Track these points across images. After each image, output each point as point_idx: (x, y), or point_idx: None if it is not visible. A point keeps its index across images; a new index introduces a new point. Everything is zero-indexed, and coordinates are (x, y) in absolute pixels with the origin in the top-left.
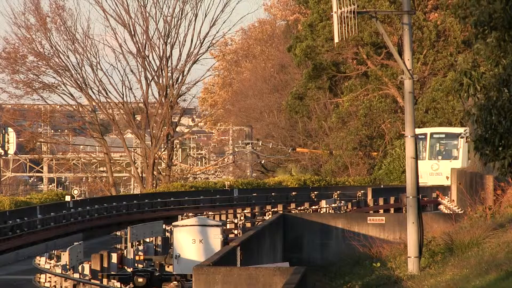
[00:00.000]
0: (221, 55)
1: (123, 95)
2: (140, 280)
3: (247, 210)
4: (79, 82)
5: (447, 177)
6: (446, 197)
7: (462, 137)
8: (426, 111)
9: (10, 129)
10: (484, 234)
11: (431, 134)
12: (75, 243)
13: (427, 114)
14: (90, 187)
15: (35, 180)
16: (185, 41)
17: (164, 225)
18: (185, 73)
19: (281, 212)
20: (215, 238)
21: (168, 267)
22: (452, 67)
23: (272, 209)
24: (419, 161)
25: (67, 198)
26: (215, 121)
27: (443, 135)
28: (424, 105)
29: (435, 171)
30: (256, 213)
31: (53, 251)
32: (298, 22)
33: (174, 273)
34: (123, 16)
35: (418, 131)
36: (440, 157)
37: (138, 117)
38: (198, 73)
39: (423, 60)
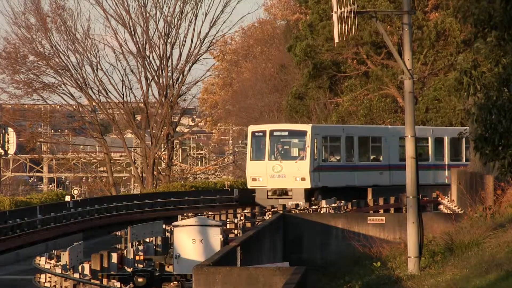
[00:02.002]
0: (221, 55)
1: (123, 95)
2: (140, 280)
3: (247, 210)
4: (79, 82)
5: (298, 178)
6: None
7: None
8: (427, 111)
9: (10, 129)
10: (484, 234)
11: (271, 131)
12: (75, 243)
13: (427, 114)
14: (90, 187)
15: (35, 180)
16: (185, 41)
17: (164, 225)
18: (185, 73)
19: (281, 212)
20: (215, 238)
21: (168, 267)
22: (452, 66)
23: (272, 209)
24: (256, 162)
25: (67, 198)
26: (215, 121)
27: (286, 133)
28: (424, 104)
29: (277, 173)
30: (256, 213)
31: (53, 251)
32: (298, 21)
33: (174, 273)
34: (124, 16)
35: (256, 127)
36: (283, 157)
37: (138, 117)
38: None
39: (423, 60)
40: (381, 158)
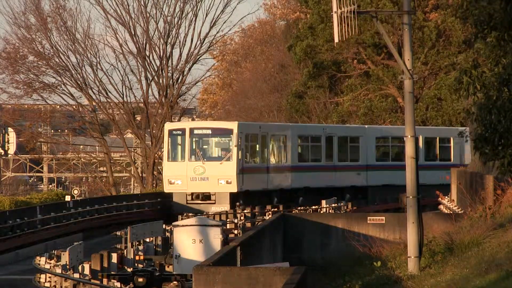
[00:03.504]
0: (221, 56)
1: (123, 95)
2: (140, 280)
3: (247, 210)
4: (79, 82)
5: (222, 181)
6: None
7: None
8: (427, 109)
9: (10, 129)
10: (484, 234)
11: (191, 129)
12: (75, 243)
13: (427, 112)
14: (90, 187)
15: (35, 180)
16: (185, 41)
17: (164, 225)
18: (185, 73)
19: (281, 212)
20: (215, 238)
21: (168, 267)
22: (452, 66)
23: (272, 209)
24: (175, 163)
25: (67, 198)
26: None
27: (208, 131)
28: (425, 103)
29: (199, 175)
30: (256, 213)
31: (53, 251)
32: (298, 21)
33: (174, 273)
34: (124, 16)
35: (173, 125)
36: (206, 158)
37: (138, 117)
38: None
39: (424, 60)
40: (321, 159)
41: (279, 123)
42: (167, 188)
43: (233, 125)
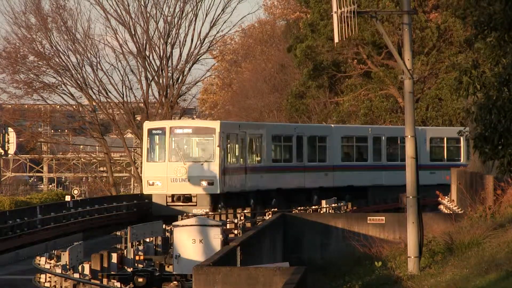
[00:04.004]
0: (221, 56)
1: (123, 95)
2: (140, 280)
3: (247, 210)
4: (79, 82)
5: (204, 182)
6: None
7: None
8: (427, 109)
9: (10, 129)
10: (484, 234)
11: (172, 128)
12: (75, 243)
13: (427, 112)
14: (90, 187)
15: (35, 180)
16: (185, 41)
17: (164, 225)
18: (185, 73)
19: (281, 212)
20: (215, 238)
21: (168, 267)
22: (453, 66)
23: (272, 209)
24: (154, 164)
25: (67, 198)
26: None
27: (190, 130)
28: (425, 103)
29: (180, 176)
30: (256, 213)
31: (53, 251)
32: (299, 21)
33: (174, 273)
34: (124, 16)
35: (153, 124)
36: (187, 159)
37: (138, 117)
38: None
39: (424, 60)
40: (292, 159)
41: (256, 122)
42: (146, 190)
43: (215, 124)
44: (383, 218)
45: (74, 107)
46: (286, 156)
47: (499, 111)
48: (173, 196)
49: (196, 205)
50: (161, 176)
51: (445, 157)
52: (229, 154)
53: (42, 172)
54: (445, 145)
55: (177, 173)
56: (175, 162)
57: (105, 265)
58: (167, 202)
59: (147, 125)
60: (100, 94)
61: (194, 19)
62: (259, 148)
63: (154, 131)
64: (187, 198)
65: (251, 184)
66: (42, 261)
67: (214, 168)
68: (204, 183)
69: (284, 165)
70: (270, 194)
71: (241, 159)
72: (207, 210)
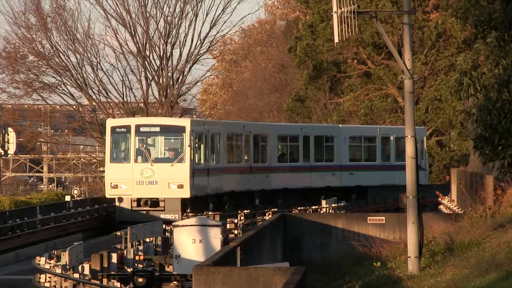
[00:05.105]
0: (221, 56)
1: (123, 95)
2: (140, 280)
3: (247, 210)
4: (79, 82)
5: (173, 185)
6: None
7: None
8: (427, 111)
9: (10, 129)
10: (484, 234)
11: (137, 126)
12: (75, 243)
13: (428, 114)
14: (90, 187)
15: (35, 180)
16: (185, 41)
17: (164, 225)
18: (185, 73)
19: (281, 212)
20: (215, 238)
21: (168, 267)
22: (452, 67)
23: (272, 209)
24: (118, 165)
25: (67, 198)
26: None
27: (157, 129)
28: (425, 104)
29: (146, 179)
30: (256, 213)
31: (53, 251)
32: (298, 21)
33: (174, 273)
34: (124, 16)
35: (116, 122)
36: (155, 160)
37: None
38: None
39: (424, 60)
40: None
41: (217, 120)
42: (109, 193)
43: (185, 122)
44: (383, 218)
45: (74, 107)
46: (238, 155)
47: (499, 113)
48: (138, 200)
49: (164, 210)
50: (126, 178)
51: None
52: (197, 155)
53: (42, 172)
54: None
55: (144, 175)
56: (142, 164)
57: (105, 265)
58: (132, 207)
59: (110, 122)
60: (100, 94)
61: (194, 19)
62: (215, 148)
63: (117, 129)
64: (155, 203)
65: (213, 187)
66: (42, 261)
67: (185, 170)
68: (173, 186)
69: (237, 166)
70: (222, 197)
71: (206, 160)
72: (177, 216)
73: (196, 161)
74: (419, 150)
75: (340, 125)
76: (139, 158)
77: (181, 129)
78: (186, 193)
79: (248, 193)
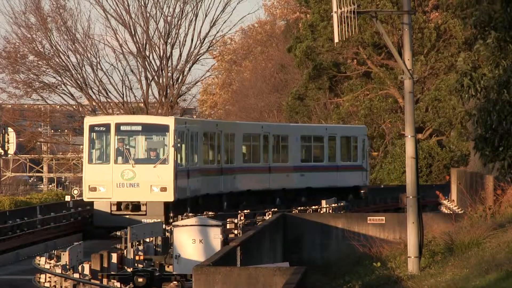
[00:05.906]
0: (221, 56)
1: (123, 95)
2: (140, 280)
3: (247, 210)
4: (79, 82)
5: (156, 188)
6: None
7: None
8: (426, 110)
9: (10, 129)
10: (484, 234)
11: (118, 125)
12: (75, 243)
13: (427, 114)
14: None
15: (35, 180)
16: (185, 41)
17: (164, 225)
18: (185, 73)
19: (281, 212)
20: (215, 238)
21: (168, 267)
22: (453, 67)
23: (272, 209)
24: (97, 166)
25: (67, 198)
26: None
27: (139, 127)
28: (425, 104)
29: (127, 181)
30: (256, 213)
31: (53, 251)
32: (298, 21)
33: (174, 273)
34: (124, 16)
35: (95, 120)
36: (136, 160)
37: None
38: (198, 73)
39: (424, 61)
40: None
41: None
42: (87, 196)
43: (169, 121)
44: (383, 218)
45: (74, 107)
46: (212, 156)
47: (499, 114)
48: (118, 203)
49: (146, 215)
50: (105, 180)
51: None
52: (179, 155)
53: (42, 172)
54: None
55: (124, 177)
56: (122, 165)
57: (105, 265)
58: (111, 211)
59: (88, 120)
60: (100, 94)
61: (194, 19)
62: (194, 148)
63: (96, 128)
64: (136, 206)
65: (193, 188)
66: (42, 261)
67: (168, 171)
68: (156, 189)
69: (209, 167)
70: (196, 200)
71: (187, 161)
72: (159, 221)
73: (178, 161)
74: (359, 150)
75: (291, 124)
76: (120, 158)
77: (165, 128)
78: (169, 197)
79: (217, 196)
